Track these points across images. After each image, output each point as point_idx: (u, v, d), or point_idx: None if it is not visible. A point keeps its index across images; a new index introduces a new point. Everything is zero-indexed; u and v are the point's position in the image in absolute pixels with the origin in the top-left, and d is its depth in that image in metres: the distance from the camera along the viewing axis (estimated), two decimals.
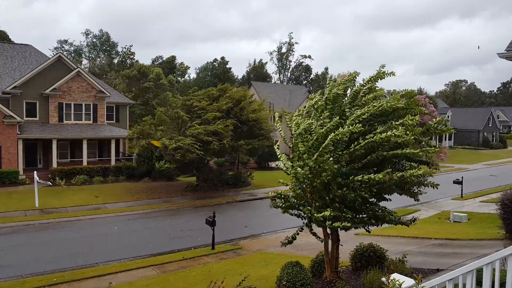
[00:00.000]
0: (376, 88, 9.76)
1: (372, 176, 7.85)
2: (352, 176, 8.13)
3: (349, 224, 8.41)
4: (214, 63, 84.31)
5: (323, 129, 8.17)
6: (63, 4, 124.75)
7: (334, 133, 7.92)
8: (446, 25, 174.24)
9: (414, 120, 8.26)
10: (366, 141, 8.10)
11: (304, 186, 8.91)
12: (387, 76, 9.38)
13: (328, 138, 7.90)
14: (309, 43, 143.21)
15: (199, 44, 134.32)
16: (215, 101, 29.53)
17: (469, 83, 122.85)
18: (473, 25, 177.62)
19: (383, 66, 9.40)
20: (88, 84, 34.90)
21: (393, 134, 7.90)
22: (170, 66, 76.79)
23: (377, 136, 8.01)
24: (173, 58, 78.13)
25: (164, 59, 78.59)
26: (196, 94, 31.59)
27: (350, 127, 7.88)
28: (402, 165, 9.15)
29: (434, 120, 9.26)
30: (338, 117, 8.50)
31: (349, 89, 9.78)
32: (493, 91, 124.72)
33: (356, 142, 8.30)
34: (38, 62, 36.47)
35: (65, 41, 76.60)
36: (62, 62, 34.37)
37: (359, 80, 10.49)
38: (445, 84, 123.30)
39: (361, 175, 8.03)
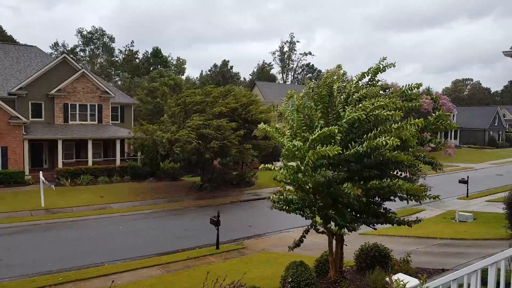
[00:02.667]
0: (376, 82, 9.26)
1: (343, 187, 7.53)
2: (341, 184, 7.81)
3: (354, 225, 8.35)
4: (216, 68, 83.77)
5: (307, 143, 7.84)
6: (84, 7, 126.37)
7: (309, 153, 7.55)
8: (455, 25, 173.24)
9: (413, 129, 7.82)
10: (353, 150, 7.77)
11: (306, 187, 8.79)
12: (387, 68, 8.79)
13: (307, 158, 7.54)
14: (321, 42, 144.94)
15: (212, 46, 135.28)
16: (213, 97, 29.59)
17: (474, 82, 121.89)
18: (483, 24, 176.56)
19: (384, 59, 8.85)
20: (93, 85, 35.06)
21: (383, 143, 7.36)
22: (158, 61, 74.46)
23: (369, 143, 7.61)
24: (158, 50, 74.15)
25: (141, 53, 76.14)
26: (193, 92, 31.47)
27: (323, 148, 7.40)
28: (404, 165, 8.81)
29: (433, 115, 8.67)
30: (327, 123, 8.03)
31: (338, 85, 9.10)
32: (498, 91, 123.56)
33: (350, 145, 7.98)
34: (43, 63, 36.71)
35: (56, 44, 76.42)
36: (67, 63, 34.56)
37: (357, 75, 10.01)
38: (452, 81, 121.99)
39: (346, 183, 7.66)
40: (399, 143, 7.53)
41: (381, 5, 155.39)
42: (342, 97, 8.89)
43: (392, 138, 7.45)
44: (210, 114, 27.40)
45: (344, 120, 7.95)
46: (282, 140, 8.63)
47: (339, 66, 9.89)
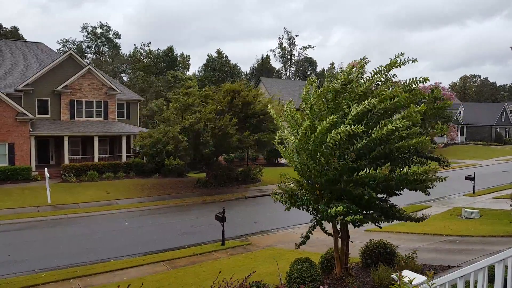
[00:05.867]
0: (393, 79, 9.15)
1: (372, 171, 7.56)
2: (356, 173, 7.85)
3: (360, 217, 8.29)
4: (213, 56, 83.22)
5: (317, 131, 7.80)
6: (111, 6, 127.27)
7: (330, 133, 7.53)
8: (468, 22, 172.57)
9: (418, 114, 7.93)
10: (367, 139, 7.79)
11: (312, 182, 8.79)
12: (406, 63, 8.56)
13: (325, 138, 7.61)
14: (337, 40, 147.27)
15: (229, 44, 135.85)
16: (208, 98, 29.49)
17: (482, 78, 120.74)
18: (495, 22, 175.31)
19: (402, 54, 8.57)
20: (99, 81, 35.18)
21: (393, 128, 7.55)
22: (168, 60, 74.77)
23: (378, 132, 7.66)
24: (171, 49, 75.08)
25: (158, 51, 76.49)
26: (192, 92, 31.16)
27: (348, 127, 7.41)
28: (411, 161, 8.86)
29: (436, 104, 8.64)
30: (334, 116, 7.98)
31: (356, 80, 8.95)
32: (506, 85, 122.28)
33: (358, 139, 7.95)
34: (50, 60, 36.87)
35: (67, 40, 76.43)
36: (73, 59, 34.69)
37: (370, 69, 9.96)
38: (460, 77, 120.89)
39: (364, 170, 7.68)
40: (407, 124, 7.76)
41: (395, 5, 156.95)
42: (352, 95, 8.86)
43: (401, 120, 7.62)
44: (207, 113, 27.19)
45: (350, 117, 7.93)
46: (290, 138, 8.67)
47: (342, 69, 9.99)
